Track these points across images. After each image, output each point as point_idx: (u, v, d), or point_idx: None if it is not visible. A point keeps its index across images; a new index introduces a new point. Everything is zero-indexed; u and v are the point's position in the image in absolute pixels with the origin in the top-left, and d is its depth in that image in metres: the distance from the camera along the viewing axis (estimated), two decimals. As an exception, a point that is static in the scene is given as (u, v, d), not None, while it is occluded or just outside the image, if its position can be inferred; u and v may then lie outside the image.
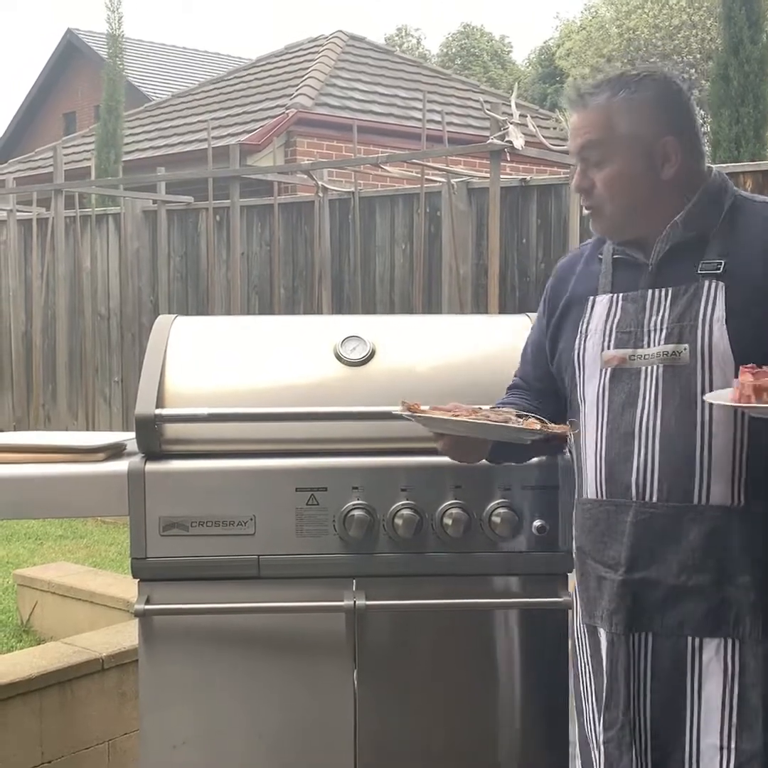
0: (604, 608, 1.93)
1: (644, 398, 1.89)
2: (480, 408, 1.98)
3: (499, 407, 2.07)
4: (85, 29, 24.31)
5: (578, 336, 1.99)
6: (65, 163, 8.40)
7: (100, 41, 20.71)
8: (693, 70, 20.16)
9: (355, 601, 2.26)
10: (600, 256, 2.05)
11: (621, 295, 1.96)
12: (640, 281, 1.95)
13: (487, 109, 5.98)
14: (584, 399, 1.97)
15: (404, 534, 2.27)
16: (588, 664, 2.01)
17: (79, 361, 8.46)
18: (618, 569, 1.90)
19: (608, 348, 1.94)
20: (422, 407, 1.97)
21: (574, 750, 2.09)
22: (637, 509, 1.88)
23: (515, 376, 2.26)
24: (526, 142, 5.98)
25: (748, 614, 1.85)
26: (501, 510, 2.28)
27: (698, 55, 19.70)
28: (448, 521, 2.27)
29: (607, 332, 1.94)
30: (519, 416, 1.96)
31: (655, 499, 1.87)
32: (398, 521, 2.27)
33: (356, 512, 2.26)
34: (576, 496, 2.06)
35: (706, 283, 1.87)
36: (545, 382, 2.14)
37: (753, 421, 1.83)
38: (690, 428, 1.85)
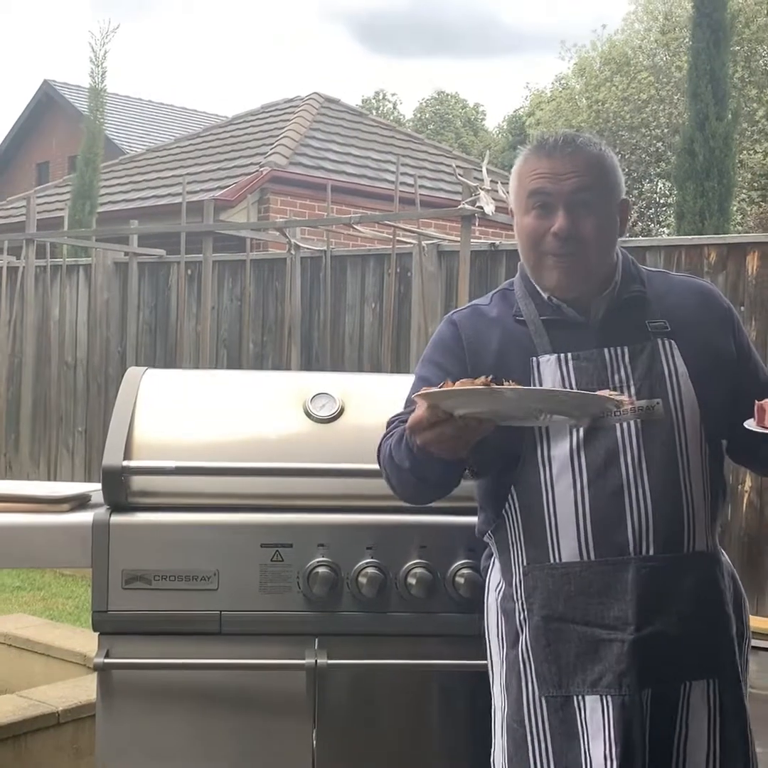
0: (607, 671, 1.87)
1: (626, 454, 1.90)
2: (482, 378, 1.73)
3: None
4: (61, 81, 24.49)
5: None
6: (37, 213, 8.42)
7: (76, 93, 20.91)
8: (660, 144, 20.60)
9: (316, 660, 2.25)
10: (518, 318, 2.02)
11: (570, 354, 1.95)
12: (582, 341, 1.96)
13: (460, 175, 6.08)
14: (549, 460, 1.92)
15: (368, 593, 2.27)
16: (544, 741, 1.92)
17: (44, 409, 8.40)
18: (626, 629, 1.87)
19: None
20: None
21: None
22: (638, 565, 1.88)
23: (395, 423, 2.05)
24: (496, 208, 6.08)
25: (723, 654, 1.93)
26: (465, 571, 2.28)
27: (665, 130, 20.15)
28: (412, 581, 2.28)
29: None
30: None
31: (652, 552, 1.88)
32: (363, 579, 2.27)
33: (321, 569, 2.26)
34: (524, 562, 1.97)
35: (659, 341, 1.96)
36: None
37: (714, 471, 1.96)
38: (675, 479, 1.91)
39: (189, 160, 13.15)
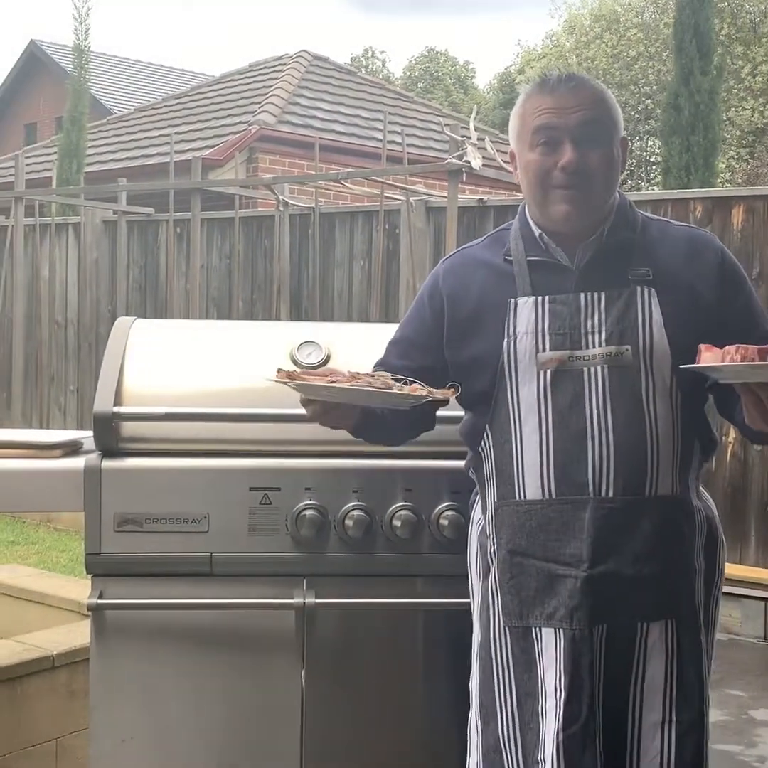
0: (560, 606, 1.94)
1: (591, 398, 1.94)
2: (358, 373, 1.96)
3: (375, 372, 2.03)
4: (48, 41, 24.25)
5: (506, 339, 1.99)
6: (26, 173, 8.39)
7: (64, 53, 20.70)
8: (649, 101, 20.52)
9: (304, 600, 2.31)
10: (507, 258, 2.06)
11: (547, 297, 1.99)
12: (564, 284, 1.99)
13: (447, 130, 6.08)
14: (518, 401, 1.98)
15: (354, 534, 2.32)
16: (508, 668, 2.01)
17: (35, 369, 8.42)
18: (580, 565, 1.93)
19: (543, 350, 1.96)
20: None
21: (476, 759, 2.07)
22: (596, 505, 1.93)
23: (377, 366, 2.21)
24: (484, 164, 6.09)
25: (683, 596, 1.98)
26: (449, 512, 2.33)
27: (655, 86, 20.07)
28: (397, 523, 2.33)
29: (540, 334, 1.97)
30: (398, 380, 1.95)
31: (611, 493, 1.93)
32: (349, 522, 2.32)
33: (308, 512, 2.31)
34: (496, 499, 2.05)
35: (639, 288, 1.97)
36: (407, 361, 2.13)
37: (685, 418, 1.97)
38: (640, 425, 1.94)
39: (177, 119, 13.06)
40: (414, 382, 1.95)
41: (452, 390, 1.95)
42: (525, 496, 1.99)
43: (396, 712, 2.40)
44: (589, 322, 1.96)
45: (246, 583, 2.34)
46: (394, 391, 1.90)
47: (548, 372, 1.96)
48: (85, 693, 2.75)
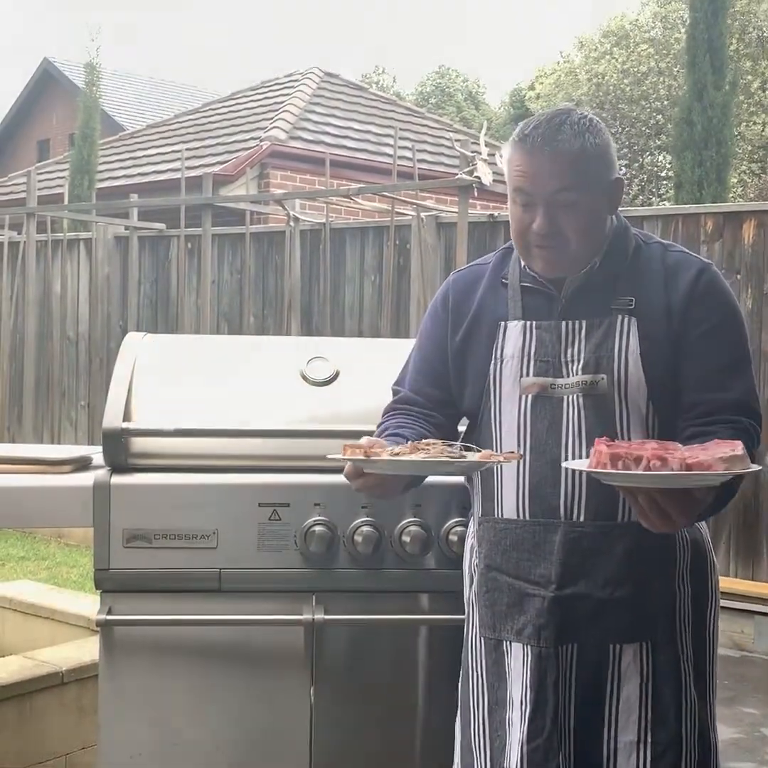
0: (528, 623, 1.98)
1: (568, 425, 1.97)
2: (418, 444, 1.92)
3: (414, 441, 1.98)
4: (62, 58, 24.41)
5: (493, 361, 2.04)
6: (38, 189, 8.43)
7: (76, 70, 20.84)
8: (660, 116, 20.53)
9: (313, 616, 2.31)
10: (504, 281, 2.09)
11: (535, 323, 2.02)
12: (551, 311, 2.02)
13: (457, 145, 6.10)
14: (500, 423, 2.02)
15: (364, 550, 2.32)
16: (482, 676, 2.07)
17: (47, 384, 8.45)
18: (548, 586, 1.97)
19: (527, 375, 2.00)
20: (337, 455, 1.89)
21: (457, 760, 2.15)
22: (566, 529, 1.96)
23: (398, 386, 2.23)
24: (495, 180, 6.09)
25: (659, 619, 1.98)
26: (458, 528, 2.33)
27: (665, 102, 20.07)
28: (406, 538, 2.33)
29: (526, 359, 2.01)
30: (449, 445, 1.93)
31: (582, 518, 1.96)
32: (358, 538, 2.32)
33: (317, 528, 2.31)
34: (479, 514, 2.10)
35: (619, 318, 1.98)
36: (440, 390, 2.15)
37: None
38: None
39: (189, 135, 13.12)
40: (469, 448, 1.94)
41: (517, 455, 1.94)
42: (503, 515, 2.04)
43: (405, 728, 2.40)
44: (569, 351, 1.99)
45: (255, 600, 2.33)
46: (475, 460, 1.89)
47: (529, 397, 2.00)
48: (93, 709, 2.74)
